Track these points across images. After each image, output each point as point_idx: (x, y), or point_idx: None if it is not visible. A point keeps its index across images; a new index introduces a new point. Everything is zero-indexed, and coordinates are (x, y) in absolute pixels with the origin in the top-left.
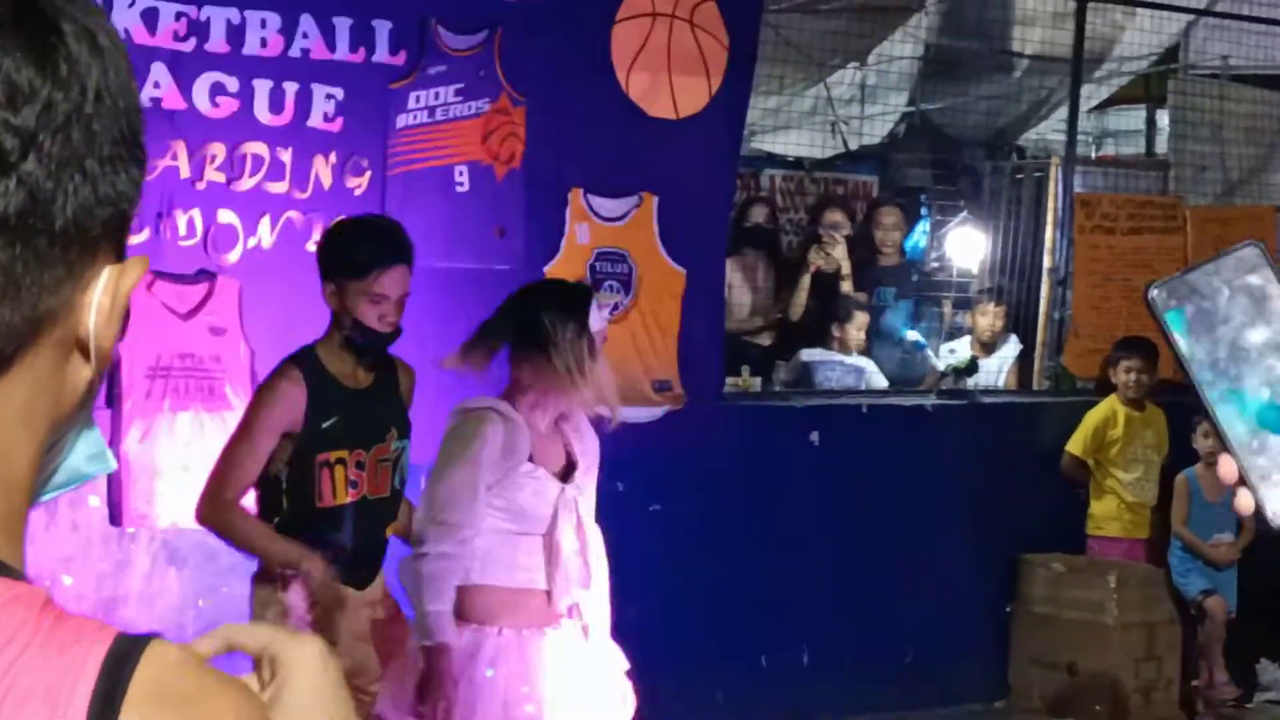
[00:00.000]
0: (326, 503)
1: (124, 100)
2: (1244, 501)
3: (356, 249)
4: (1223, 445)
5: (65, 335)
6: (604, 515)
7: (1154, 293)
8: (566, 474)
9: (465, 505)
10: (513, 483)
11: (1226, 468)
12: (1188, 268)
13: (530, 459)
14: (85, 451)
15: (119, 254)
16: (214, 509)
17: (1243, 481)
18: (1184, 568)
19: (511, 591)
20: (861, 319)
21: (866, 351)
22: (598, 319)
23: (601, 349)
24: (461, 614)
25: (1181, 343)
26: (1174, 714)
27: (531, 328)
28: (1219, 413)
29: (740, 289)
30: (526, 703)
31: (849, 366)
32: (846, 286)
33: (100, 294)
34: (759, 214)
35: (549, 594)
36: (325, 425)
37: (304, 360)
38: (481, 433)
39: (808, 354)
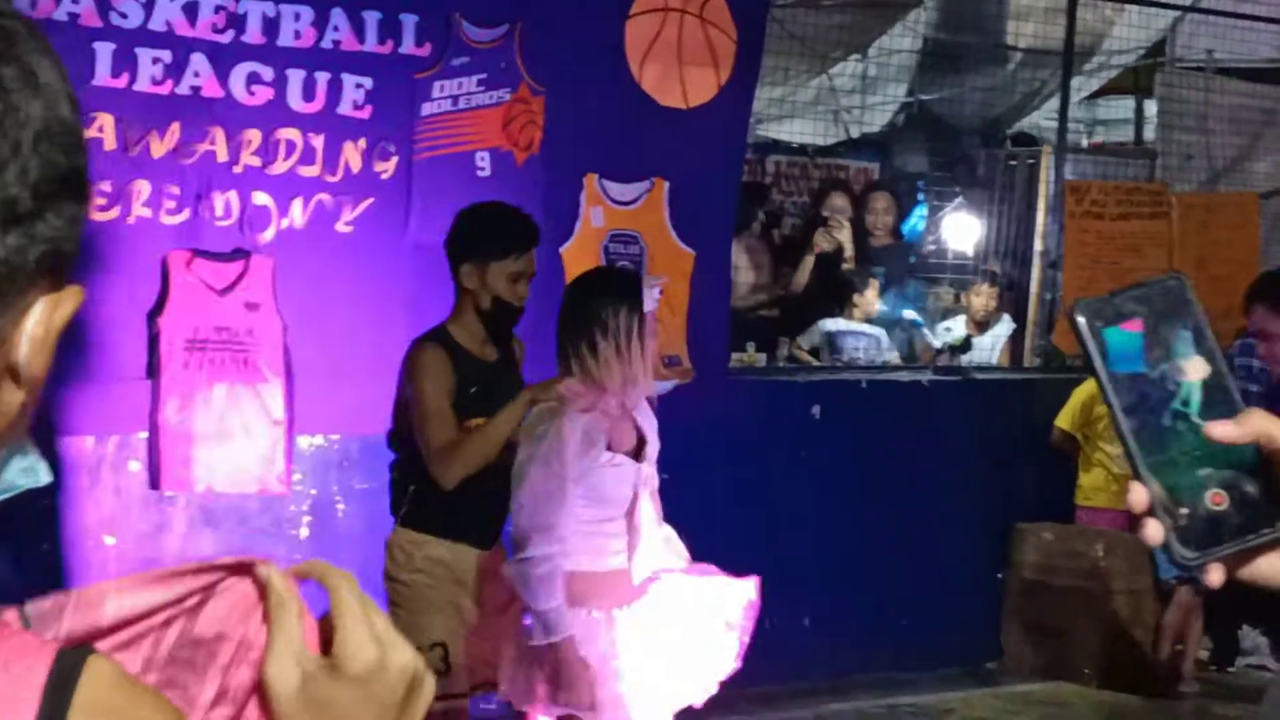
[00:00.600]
0: None
1: (65, 138)
2: (1152, 532)
3: (503, 232)
4: (1135, 473)
5: None
6: None
7: (1079, 311)
8: (638, 452)
9: (556, 505)
10: (595, 473)
11: (1136, 496)
12: (1114, 291)
13: (608, 446)
14: (19, 466)
15: (57, 286)
16: (445, 462)
17: (1151, 512)
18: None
19: (597, 575)
20: (875, 286)
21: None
22: (650, 300)
23: (653, 330)
24: None
25: (1100, 364)
26: (1160, 678)
27: (591, 319)
28: (1131, 441)
29: (744, 270)
30: (619, 679)
31: (871, 336)
32: (848, 268)
33: (33, 325)
34: (763, 199)
35: (630, 571)
36: (471, 393)
37: (438, 337)
38: (559, 430)
39: (831, 324)
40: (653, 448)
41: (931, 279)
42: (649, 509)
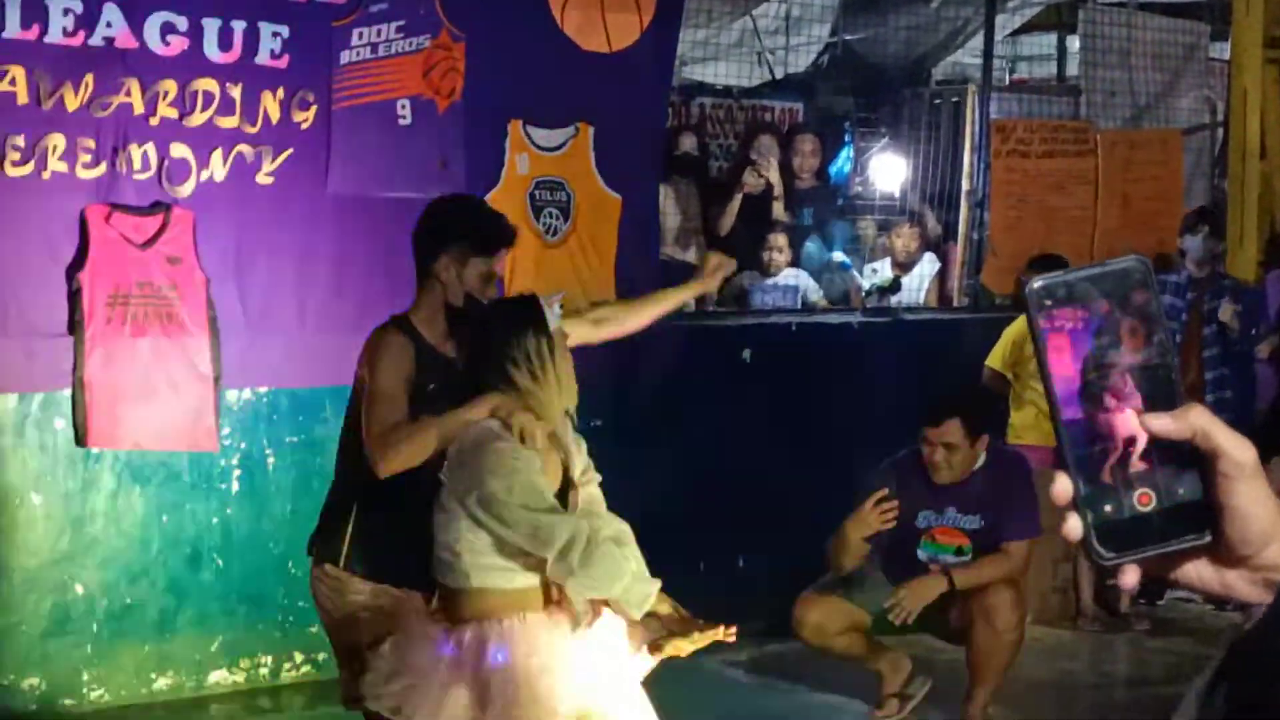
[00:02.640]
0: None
1: None
2: (1072, 527)
3: (488, 228)
4: (1061, 463)
5: None
6: None
7: (1032, 288)
8: (564, 492)
9: (548, 494)
10: None
11: (1061, 488)
12: (1070, 270)
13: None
14: None
15: None
16: (386, 445)
17: (1074, 506)
18: None
19: (506, 592)
20: (780, 239)
21: (802, 265)
22: (552, 318)
23: (563, 347)
24: (462, 614)
25: (1044, 347)
26: (1089, 612)
27: (500, 355)
28: (1065, 430)
29: (671, 215)
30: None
31: (783, 287)
32: (778, 207)
33: None
34: (688, 142)
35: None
36: (430, 388)
37: (401, 325)
38: (516, 450)
39: (742, 278)
40: (583, 475)
41: (858, 221)
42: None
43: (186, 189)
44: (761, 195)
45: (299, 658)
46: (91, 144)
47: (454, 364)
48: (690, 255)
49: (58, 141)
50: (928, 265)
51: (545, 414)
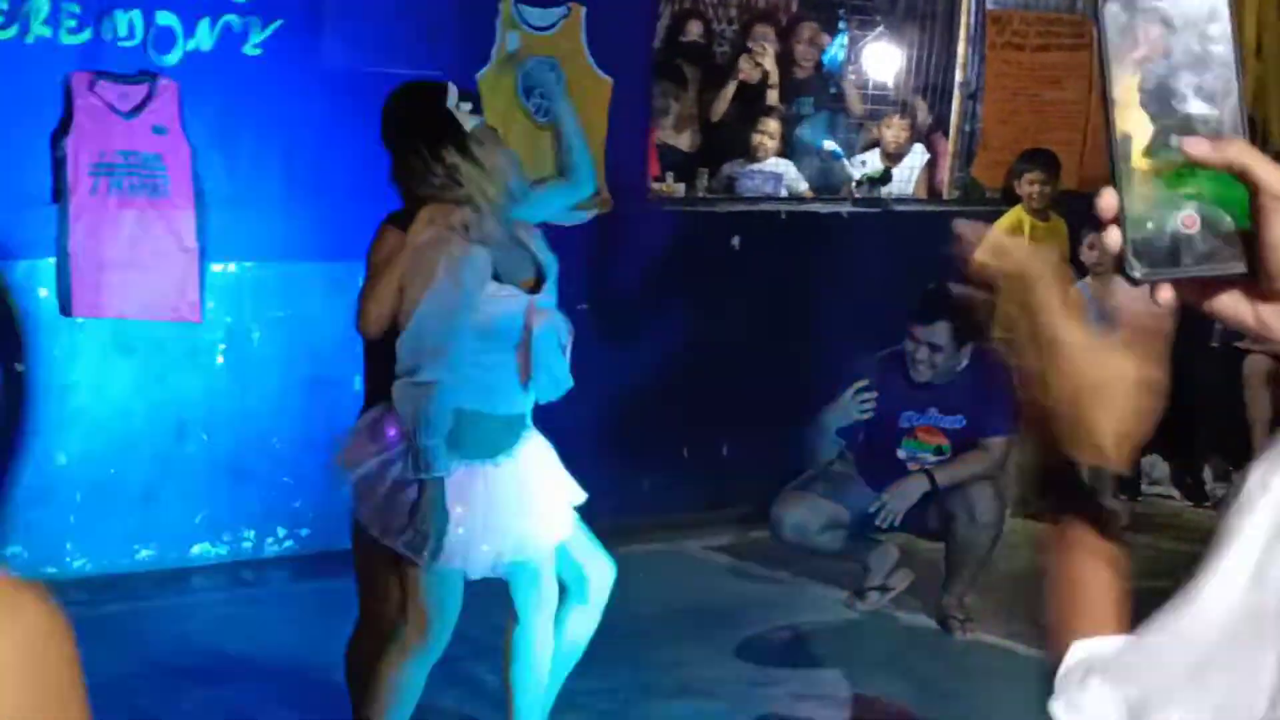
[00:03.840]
0: None
1: None
2: (1112, 239)
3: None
4: (1111, 176)
5: None
6: None
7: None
8: (536, 286)
9: (448, 329)
10: (485, 304)
11: (1106, 201)
12: None
13: (496, 276)
14: None
15: None
16: (359, 312)
17: (1117, 221)
18: None
19: (481, 417)
20: (772, 125)
21: (794, 154)
22: (466, 120)
23: (491, 140)
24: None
25: (1112, 49)
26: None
27: (413, 152)
28: (1118, 142)
29: (671, 100)
30: (478, 531)
31: (767, 174)
32: (773, 95)
33: None
34: (695, 29)
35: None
36: None
37: (401, 220)
38: (442, 261)
39: (728, 167)
40: (551, 281)
41: (850, 110)
42: (550, 342)
43: (173, 58)
44: (759, 83)
45: (281, 532)
46: (77, 9)
47: None
48: (684, 142)
49: (41, 4)
50: (917, 156)
51: (479, 212)
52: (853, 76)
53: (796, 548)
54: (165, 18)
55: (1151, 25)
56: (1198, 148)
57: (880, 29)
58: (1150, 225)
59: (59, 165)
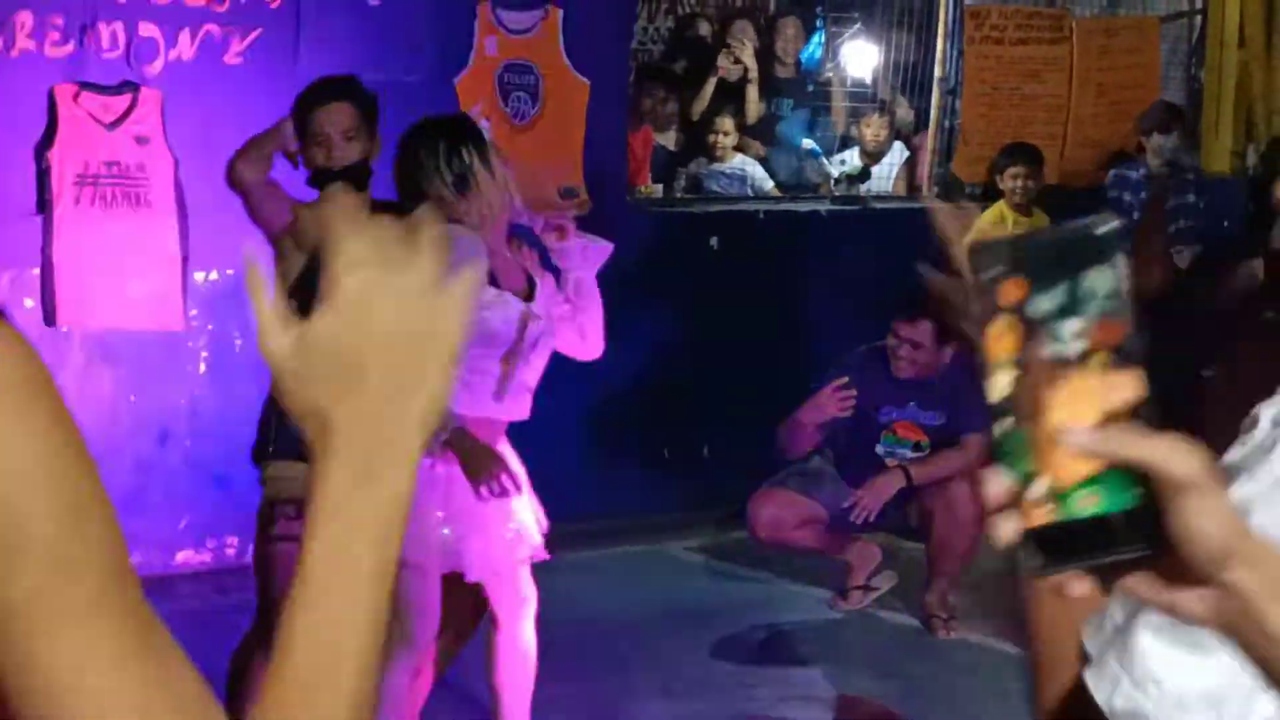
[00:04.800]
0: None
1: None
2: (1006, 529)
3: (300, 99)
4: (997, 458)
5: None
6: None
7: (981, 251)
8: (529, 294)
9: None
10: (481, 307)
11: (994, 487)
12: (1032, 233)
13: (494, 282)
14: None
15: None
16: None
17: (1008, 507)
18: None
19: (466, 420)
20: (726, 123)
21: (760, 157)
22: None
23: (499, 159)
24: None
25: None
26: None
27: (430, 172)
28: (999, 416)
29: (650, 100)
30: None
31: (732, 175)
32: (753, 91)
33: None
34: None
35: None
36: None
37: (389, 209)
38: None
39: (694, 166)
40: (543, 295)
41: (828, 108)
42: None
43: (155, 68)
44: (739, 79)
45: None
46: (60, 21)
47: None
48: (669, 139)
49: (26, 19)
50: (896, 154)
51: (484, 224)
52: (831, 73)
53: (772, 544)
54: (147, 29)
55: (1032, 274)
56: (1084, 437)
57: (858, 25)
58: (1048, 511)
59: (43, 176)
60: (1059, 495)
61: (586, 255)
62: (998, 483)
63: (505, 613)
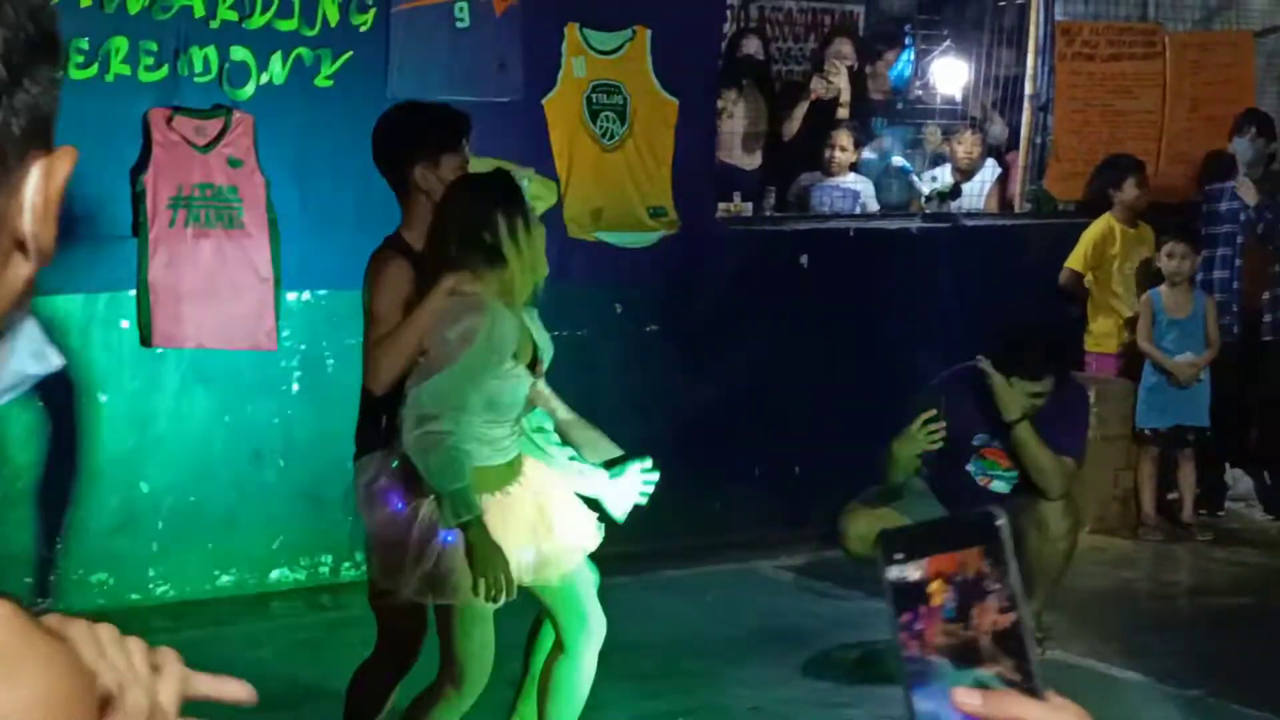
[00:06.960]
0: None
1: (30, 3)
2: None
3: (448, 124)
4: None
5: (3, 238)
6: (604, 336)
7: (885, 540)
8: (534, 365)
9: (471, 390)
10: (498, 380)
11: None
12: (926, 524)
13: (513, 355)
14: (27, 350)
15: (47, 149)
16: (372, 361)
17: None
18: (1150, 399)
19: (484, 470)
20: (844, 138)
21: (862, 171)
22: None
23: (536, 222)
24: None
25: (891, 602)
26: (1150, 521)
27: (472, 233)
28: (914, 698)
29: (737, 120)
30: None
31: (845, 190)
32: (843, 114)
33: (32, 194)
34: (751, 45)
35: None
36: None
37: (396, 244)
38: (485, 324)
39: (806, 177)
40: (545, 362)
41: (919, 124)
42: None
43: (247, 91)
44: (831, 101)
45: (358, 556)
46: (154, 46)
47: None
48: (755, 161)
49: (120, 44)
50: (989, 171)
51: (513, 290)
52: (920, 91)
53: (862, 560)
54: (239, 53)
55: (924, 554)
56: (971, 700)
57: (947, 43)
58: None
59: (138, 199)
60: None
61: None
62: None
63: (571, 638)
